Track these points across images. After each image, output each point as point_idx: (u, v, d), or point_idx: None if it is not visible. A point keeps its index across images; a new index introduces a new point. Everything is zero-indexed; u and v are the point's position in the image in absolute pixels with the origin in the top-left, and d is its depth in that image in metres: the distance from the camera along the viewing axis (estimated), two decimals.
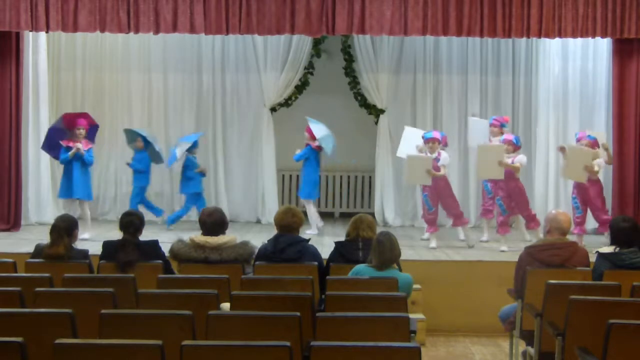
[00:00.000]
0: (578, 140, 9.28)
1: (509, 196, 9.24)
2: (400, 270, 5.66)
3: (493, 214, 9.69)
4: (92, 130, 9.86)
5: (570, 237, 6.27)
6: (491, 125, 9.76)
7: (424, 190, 9.32)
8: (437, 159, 9.13)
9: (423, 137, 9.43)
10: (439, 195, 9.26)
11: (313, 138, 10.16)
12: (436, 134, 9.42)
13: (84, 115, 9.88)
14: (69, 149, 9.47)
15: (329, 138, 10.14)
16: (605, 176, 10.23)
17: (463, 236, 9.66)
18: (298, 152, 10.29)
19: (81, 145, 9.47)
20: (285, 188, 12.39)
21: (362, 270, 5.52)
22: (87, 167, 9.57)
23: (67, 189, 9.57)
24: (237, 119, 11.50)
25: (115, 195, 11.50)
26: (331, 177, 12.53)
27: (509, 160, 9.07)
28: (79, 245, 6.40)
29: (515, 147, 9.24)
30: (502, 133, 9.61)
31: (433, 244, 9.22)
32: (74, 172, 9.48)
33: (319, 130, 10.13)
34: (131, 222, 6.15)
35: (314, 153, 10.24)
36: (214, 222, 6.09)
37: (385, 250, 5.48)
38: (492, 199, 9.59)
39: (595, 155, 9.00)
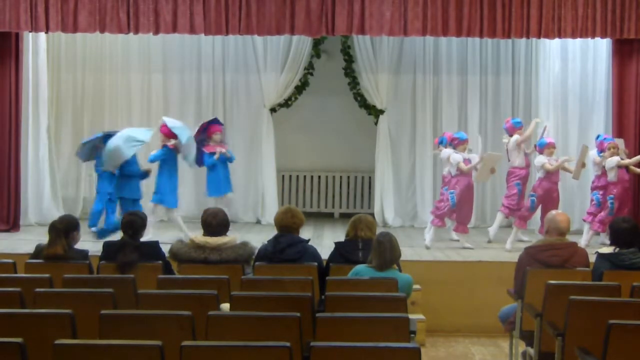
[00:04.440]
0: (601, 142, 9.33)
1: (544, 196, 9.21)
2: (400, 270, 5.67)
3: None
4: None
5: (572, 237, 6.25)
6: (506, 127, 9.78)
7: (451, 187, 9.19)
8: (469, 160, 9.18)
9: (459, 139, 9.37)
10: (463, 196, 9.16)
11: (169, 137, 9.42)
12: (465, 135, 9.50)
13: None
14: (212, 153, 9.94)
15: (185, 130, 9.46)
16: None
17: (456, 236, 9.62)
18: (153, 152, 9.54)
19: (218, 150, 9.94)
20: (285, 188, 12.40)
21: (362, 270, 5.52)
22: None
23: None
24: (237, 119, 11.51)
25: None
26: (331, 178, 12.53)
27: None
28: (82, 245, 6.40)
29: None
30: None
31: (468, 244, 9.23)
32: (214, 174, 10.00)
33: (175, 125, 9.50)
34: (131, 223, 6.15)
35: (172, 155, 9.48)
36: (219, 223, 6.08)
37: (385, 251, 5.47)
38: (522, 196, 9.53)
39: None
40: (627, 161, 9.13)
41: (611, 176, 9.09)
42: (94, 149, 9.88)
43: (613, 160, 9.04)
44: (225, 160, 10.01)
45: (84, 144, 9.97)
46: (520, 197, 9.45)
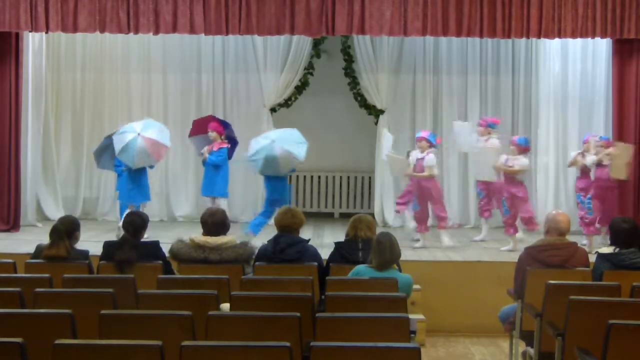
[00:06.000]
0: (585, 142, 9.33)
1: (511, 197, 9.21)
2: (400, 270, 5.67)
3: (490, 212, 9.77)
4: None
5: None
6: (478, 125, 9.78)
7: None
8: (422, 159, 9.16)
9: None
10: (424, 196, 9.21)
11: None
12: (424, 134, 9.42)
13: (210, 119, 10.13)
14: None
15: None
16: None
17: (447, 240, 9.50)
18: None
19: (205, 150, 9.78)
20: None
21: (362, 270, 5.52)
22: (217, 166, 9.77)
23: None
24: (237, 119, 11.49)
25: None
26: (331, 178, 12.53)
27: (511, 163, 9.06)
28: (83, 245, 6.40)
29: (520, 148, 9.20)
30: (489, 133, 9.64)
31: (419, 243, 9.23)
32: (205, 173, 9.89)
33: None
34: (131, 222, 6.16)
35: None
36: (215, 223, 6.09)
37: (385, 251, 5.47)
38: (485, 198, 9.67)
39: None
40: (594, 158, 9.07)
41: (592, 175, 9.12)
42: (106, 151, 10.01)
43: (592, 158, 9.06)
44: (208, 161, 9.77)
45: (99, 152, 10.07)
46: (485, 197, 9.65)
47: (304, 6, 9.46)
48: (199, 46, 11.57)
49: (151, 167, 9.90)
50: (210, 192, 9.85)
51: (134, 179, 9.65)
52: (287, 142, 9.07)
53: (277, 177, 9.19)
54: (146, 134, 9.28)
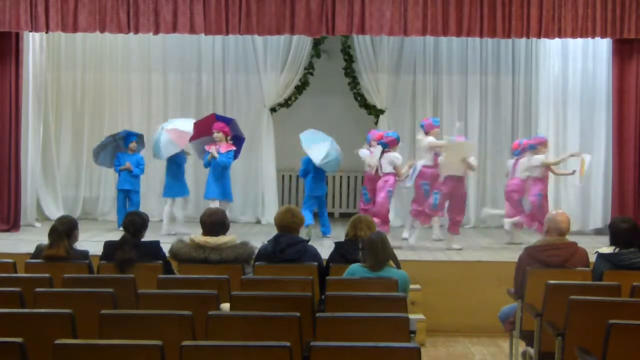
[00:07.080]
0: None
1: (449, 194, 9.17)
2: (399, 267, 5.66)
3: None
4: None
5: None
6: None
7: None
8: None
9: None
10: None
11: None
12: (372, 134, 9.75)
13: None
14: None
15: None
16: (606, 176, 10.29)
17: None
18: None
19: (214, 149, 9.56)
20: (285, 188, 12.39)
21: (356, 270, 5.50)
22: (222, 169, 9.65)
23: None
24: (237, 119, 11.48)
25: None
26: (331, 177, 12.52)
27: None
28: (83, 245, 6.40)
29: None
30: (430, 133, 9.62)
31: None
32: (212, 174, 9.74)
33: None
34: (132, 222, 6.16)
35: None
36: (213, 222, 6.09)
37: (377, 251, 5.47)
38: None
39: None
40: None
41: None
42: (112, 149, 10.22)
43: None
44: (218, 161, 9.54)
45: (99, 150, 10.23)
46: (429, 196, 9.54)
47: (304, 6, 9.46)
48: (199, 46, 11.58)
49: (184, 159, 10.09)
50: (219, 194, 9.56)
51: (174, 175, 9.94)
52: (331, 145, 9.95)
53: (321, 175, 9.96)
54: (169, 126, 9.86)
